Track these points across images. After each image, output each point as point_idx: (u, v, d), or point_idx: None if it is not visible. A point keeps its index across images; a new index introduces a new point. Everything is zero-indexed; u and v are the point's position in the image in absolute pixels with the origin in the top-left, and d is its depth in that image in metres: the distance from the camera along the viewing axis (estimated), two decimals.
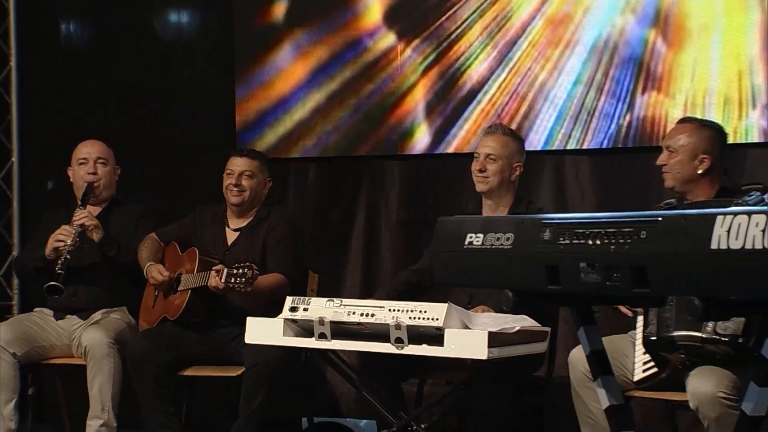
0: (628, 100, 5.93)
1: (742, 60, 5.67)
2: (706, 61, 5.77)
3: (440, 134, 6.34)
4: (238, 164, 5.76)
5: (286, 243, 5.72)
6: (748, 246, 1.92)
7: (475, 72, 6.32)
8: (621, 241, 2.11)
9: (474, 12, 6.31)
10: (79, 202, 5.86)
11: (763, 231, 1.91)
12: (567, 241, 2.19)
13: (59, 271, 5.60)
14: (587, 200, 5.92)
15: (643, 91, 5.88)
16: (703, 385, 4.27)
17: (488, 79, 6.27)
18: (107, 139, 6.11)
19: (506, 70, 6.23)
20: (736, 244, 1.94)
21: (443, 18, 6.37)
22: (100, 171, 5.95)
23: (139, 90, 6.90)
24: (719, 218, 1.97)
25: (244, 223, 5.79)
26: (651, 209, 3.93)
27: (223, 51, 6.82)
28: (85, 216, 5.72)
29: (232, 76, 6.78)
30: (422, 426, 4.89)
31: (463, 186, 5.49)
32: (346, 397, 6.28)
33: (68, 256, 5.63)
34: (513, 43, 6.23)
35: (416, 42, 6.44)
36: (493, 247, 2.35)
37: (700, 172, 4.72)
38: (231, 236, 5.78)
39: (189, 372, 5.60)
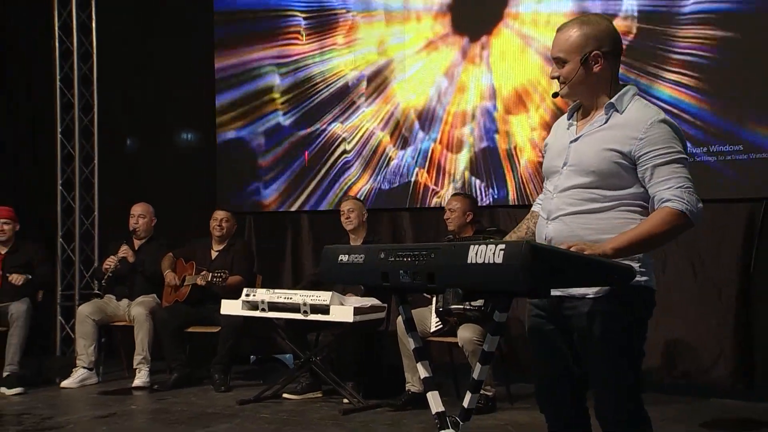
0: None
1: None
2: None
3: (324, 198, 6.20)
4: (219, 214, 5.68)
5: (244, 259, 5.63)
6: (487, 261, 1.91)
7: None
8: (421, 259, 2.07)
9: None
10: (125, 240, 5.73)
11: (494, 253, 1.91)
12: (393, 259, 2.15)
13: (103, 284, 5.63)
14: (408, 236, 5.85)
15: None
16: (466, 333, 4.33)
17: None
18: (151, 202, 5.96)
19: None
20: (480, 260, 1.92)
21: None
22: (140, 222, 5.81)
23: (169, 176, 6.70)
24: (472, 246, 1.96)
25: (221, 247, 5.66)
26: (439, 241, 3.98)
27: (209, 155, 6.65)
28: (125, 250, 5.63)
29: (215, 173, 6.63)
30: (317, 358, 4.85)
31: (339, 228, 5.42)
32: (276, 343, 6.13)
33: (110, 274, 5.59)
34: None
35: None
36: (353, 262, 2.29)
37: (468, 221, 4.77)
38: (214, 254, 5.65)
39: (190, 329, 5.45)
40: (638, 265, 2.24)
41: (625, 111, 2.29)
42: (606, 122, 2.30)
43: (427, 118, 5.83)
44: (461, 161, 5.68)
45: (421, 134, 5.84)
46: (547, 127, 5.13)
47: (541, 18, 5.38)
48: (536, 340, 2.42)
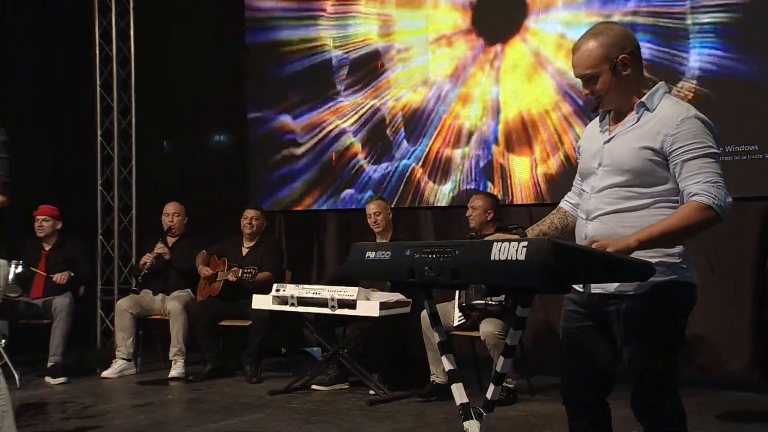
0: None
1: None
2: None
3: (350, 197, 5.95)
4: (249, 213, 5.67)
5: (273, 255, 5.63)
6: (510, 258, 1.90)
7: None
8: (445, 255, 2.06)
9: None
10: (160, 238, 5.76)
11: (516, 250, 1.89)
12: (418, 256, 2.14)
13: (140, 280, 5.64)
14: (429, 234, 5.79)
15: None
16: (488, 328, 4.30)
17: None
18: (185, 201, 6.00)
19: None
20: (502, 257, 1.91)
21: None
22: (175, 220, 5.85)
23: (202, 176, 6.75)
24: (495, 243, 1.95)
25: (252, 244, 5.67)
26: (462, 239, 3.96)
27: (239, 157, 6.68)
28: (160, 247, 5.67)
29: (247, 172, 6.63)
30: (345, 351, 4.85)
31: (365, 226, 5.40)
32: (305, 336, 6.13)
33: (146, 271, 5.63)
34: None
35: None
36: (380, 258, 2.29)
37: (488, 219, 4.74)
38: (244, 251, 5.66)
39: (223, 323, 5.46)
40: (679, 260, 2.22)
41: (656, 109, 2.26)
42: (638, 121, 2.27)
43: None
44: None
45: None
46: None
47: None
48: (569, 338, 2.39)
